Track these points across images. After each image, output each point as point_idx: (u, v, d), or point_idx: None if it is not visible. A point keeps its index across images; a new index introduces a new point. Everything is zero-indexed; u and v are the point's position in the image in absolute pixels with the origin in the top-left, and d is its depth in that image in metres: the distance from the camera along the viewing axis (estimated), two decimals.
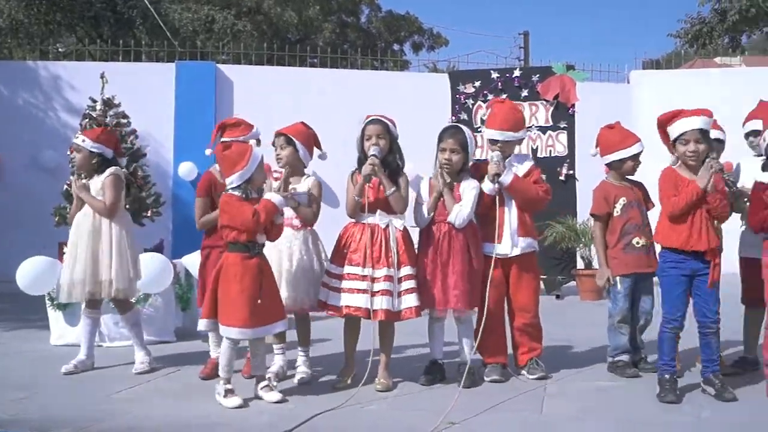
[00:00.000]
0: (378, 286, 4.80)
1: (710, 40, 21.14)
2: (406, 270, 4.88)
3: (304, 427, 4.10)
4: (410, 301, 4.85)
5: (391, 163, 4.99)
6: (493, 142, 5.19)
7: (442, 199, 5.02)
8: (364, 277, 4.80)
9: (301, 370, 5.20)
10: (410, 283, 4.87)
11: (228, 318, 4.58)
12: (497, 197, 5.07)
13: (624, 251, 5.23)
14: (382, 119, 5.00)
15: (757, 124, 5.28)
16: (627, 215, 5.25)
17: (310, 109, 11.71)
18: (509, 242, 5.11)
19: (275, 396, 4.61)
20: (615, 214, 5.28)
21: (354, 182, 4.99)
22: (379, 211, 4.92)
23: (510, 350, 5.32)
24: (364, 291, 4.79)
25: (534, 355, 5.23)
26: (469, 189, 5.02)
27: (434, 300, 4.95)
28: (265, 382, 4.70)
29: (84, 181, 5.62)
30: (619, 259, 5.26)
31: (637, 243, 5.21)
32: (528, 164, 5.33)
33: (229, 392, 4.57)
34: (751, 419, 4.18)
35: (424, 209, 5.06)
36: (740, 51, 21.67)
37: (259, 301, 4.53)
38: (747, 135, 5.38)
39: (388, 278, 4.81)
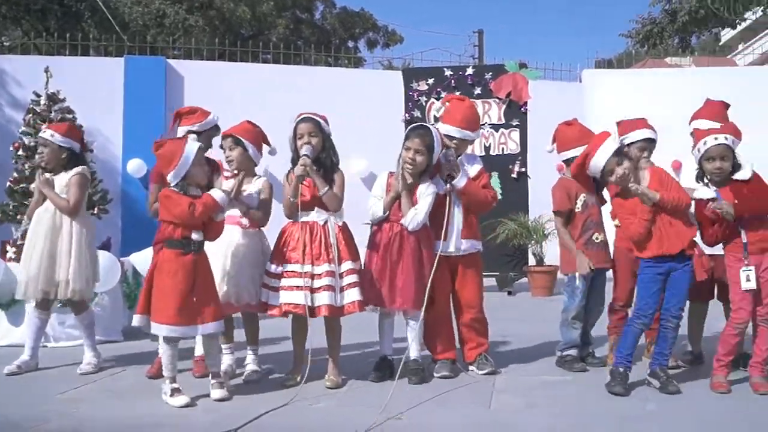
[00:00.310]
0: (319, 283, 4.76)
1: (661, 41, 21.43)
2: (347, 265, 4.85)
3: (251, 426, 4.04)
4: (353, 295, 4.82)
5: (325, 161, 4.93)
6: (449, 138, 5.18)
7: (398, 198, 5.01)
8: (303, 274, 4.75)
9: (250, 369, 5.15)
10: (352, 278, 4.84)
11: (159, 315, 4.50)
12: (447, 196, 5.06)
13: (585, 247, 5.25)
14: (314, 117, 4.95)
15: (700, 124, 5.34)
16: (588, 211, 5.28)
17: (262, 106, 11.64)
18: (454, 241, 5.12)
19: (220, 393, 4.56)
20: (576, 210, 5.29)
21: (289, 182, 4.94)
22: (316, 208, 4.88)
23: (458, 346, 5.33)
24: (304, 288, 4.74)
25: (482, 350, 5.25)
26: (426, 194, 5.00)
27: (382, 298, 4.93)
28: (219, 379, 4.66)
29: (48, 176, 5.48)
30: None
31: (596, 238, 5.27)
32: (477, 166, 5.34)
33: (175, 391, 4.51)
34: (694, 412, 4.22)
35: (379, 206, 5.03)
36: (690, 51, 22.03)
37: (194, 299, 4.49)
38: (692, 134, 5.44)
39: (330, 274, 4.77)
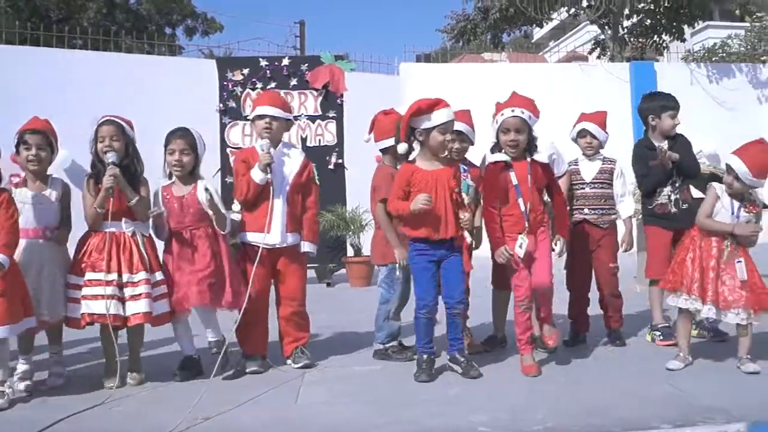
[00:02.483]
0: (136, 290, 4.63)
1: (474, 37, 22.28)
2: (159, 275, 4.78)
3: None
4: (165, 305, 4.78)
5: (129, 167, 4.80)
6: (260, 117, 5.09)
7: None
8: (108, 283, 4.58)
9: (55, 371, 4.87)
10: (163, 288, 4.78)
11: None
12: (270, 187, 5.00)
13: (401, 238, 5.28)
14: (117, 120, 4.82)
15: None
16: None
17: (73, 94, 11.13)
18: (278, 233, 5.05)
19: None
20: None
21: (89, 188, 4.74)
22: (124, 219, 4.73)
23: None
24: (109, 297, 4.56)
25: (300, 343, 5.21)
26: (212, 190, 4.96)
27: (178, 299, 4.84)
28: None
29: None
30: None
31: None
32: (300, 157, 5.27)
33: None
34: (494, 394, 4.37)
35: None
36: (502, 48, 22.97)
37: None
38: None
39: (147, 281, 4.66)
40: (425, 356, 4.77)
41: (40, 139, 4.71)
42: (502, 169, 4.87)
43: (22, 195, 4.67)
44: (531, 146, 4.89)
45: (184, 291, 4.82)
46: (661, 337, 5.56)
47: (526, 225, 4.81)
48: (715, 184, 4.97)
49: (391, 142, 5.29)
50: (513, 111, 4.81)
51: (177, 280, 4.84)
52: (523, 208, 4.82)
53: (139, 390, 4.70)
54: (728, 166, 4.78)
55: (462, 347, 4.89)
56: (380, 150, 5.49)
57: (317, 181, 5.44)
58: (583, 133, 5.67)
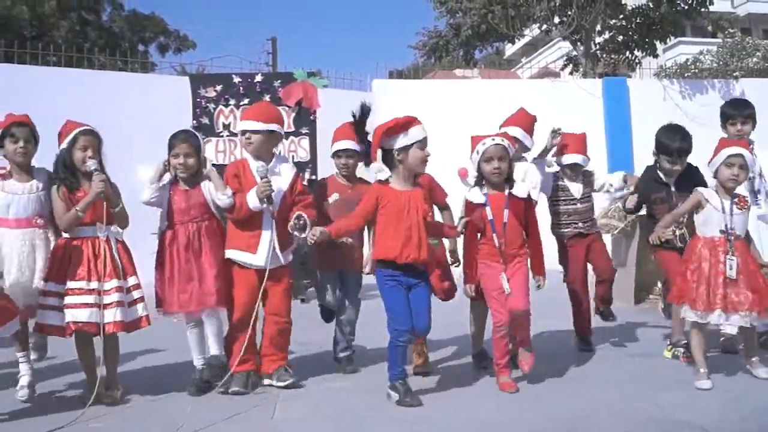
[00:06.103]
0: (109, 299, 4.61)
1: (446, 53, 22.49)
2: (132, 280, 4.77)
3: None
4: (141, 310, 4.76)
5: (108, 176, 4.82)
6: (242, 133, 5.10)
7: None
8: (90, 291, 4.57)
9: (25, 382, 4.65)
10: (139, 293, 4.78)
11: None
12: (270, 213, 4.96)
13: (331, 246, 5.27)
14: (96, 131, 4.84)
15: (509, 131, 5.65)
16: (335, 211, 5.39)
17: (46, 111, 10.98)
18: (264, 257, 4.96)
19: None
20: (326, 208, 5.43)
21: (60, 194, 4.72)
22: (98, 223, 4.72)
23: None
24: (92, 305, 4.55)
25: (283, 363, 5.14)
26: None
27: (190, 301, 4.87)
28: None
29: None
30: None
31: (347, 240, 5.34)
32: (291, 172, 5.19)
33: None
34: (468, 412, 4.39)
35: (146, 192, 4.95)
36: (474, 64, 23.17)
37: None
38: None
39: (119, 289, 4.65)
40: (400, 381, 4.62)
41: (26, 132, 4.81)
42: (478, 205, 4.99)
43: (10, 186, 4.72)
44: (510, 177, 5.00)
45: (189, 293, 4.88)
46: (686, 354, 5.49)
47: (501, 260, 4.91)
48: (700, 189, 5.07)
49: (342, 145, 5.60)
50: (494, 140, 4.94)
51: (177, 279, 4.88)
52: (497, 244, 4.91)
53: (119, 405, 4.66)
54: (731, 159, 4.87)
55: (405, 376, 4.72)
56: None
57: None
58: (573, 166, 6.09)
